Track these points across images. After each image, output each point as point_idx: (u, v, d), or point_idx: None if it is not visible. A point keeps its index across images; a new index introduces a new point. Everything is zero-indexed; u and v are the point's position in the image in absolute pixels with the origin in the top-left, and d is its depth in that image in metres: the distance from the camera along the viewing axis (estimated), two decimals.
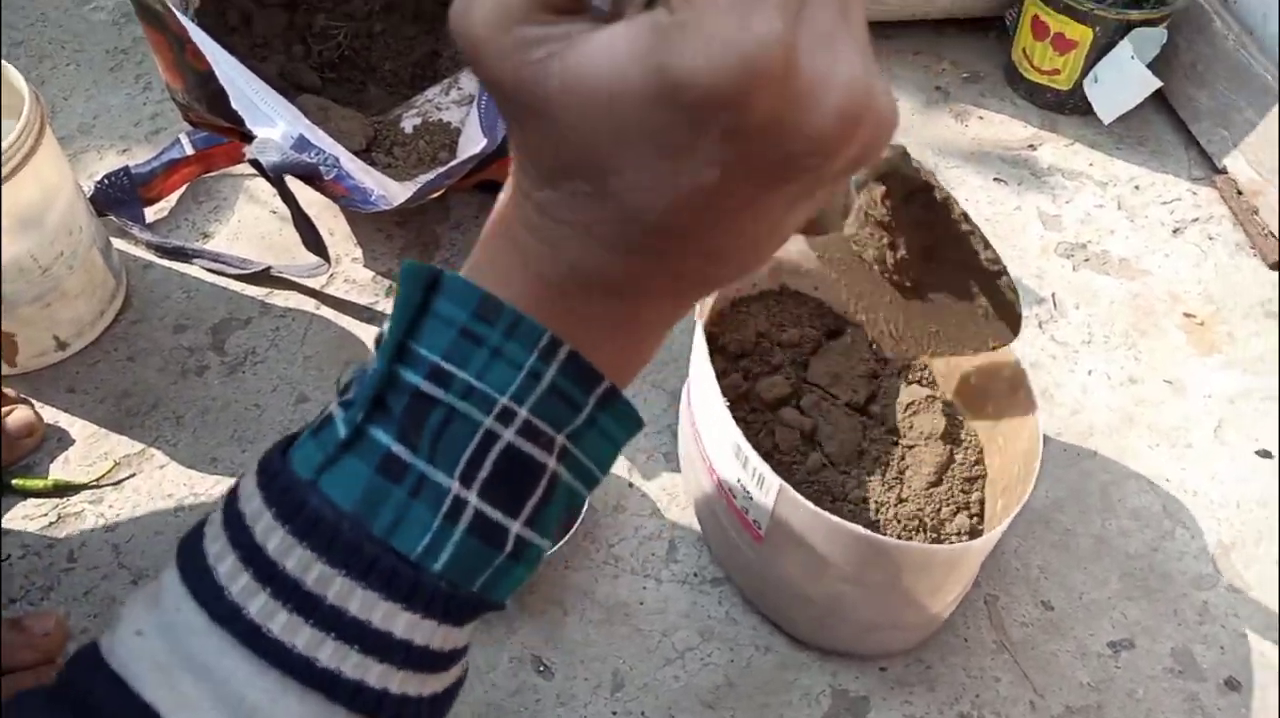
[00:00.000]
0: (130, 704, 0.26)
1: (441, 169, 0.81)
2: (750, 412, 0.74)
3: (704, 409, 0.67)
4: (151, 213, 0.91)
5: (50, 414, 0.78)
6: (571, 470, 0.29)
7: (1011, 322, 0.62)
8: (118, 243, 0.87)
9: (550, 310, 0.28)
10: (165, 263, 0.88)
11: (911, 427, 0.74)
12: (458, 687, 0.31)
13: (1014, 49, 1.09)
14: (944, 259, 0.63)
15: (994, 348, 0.62)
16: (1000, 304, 0.63)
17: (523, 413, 0.27)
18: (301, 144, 0.78)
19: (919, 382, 0.76)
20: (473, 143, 0.84)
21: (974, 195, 0.99)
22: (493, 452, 0.27)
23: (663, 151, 0.23)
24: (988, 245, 0.61)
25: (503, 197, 0.29)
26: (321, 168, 0.78)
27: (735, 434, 0.61)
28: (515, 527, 0.28)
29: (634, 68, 0.22)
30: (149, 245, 0.88)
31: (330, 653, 0.26)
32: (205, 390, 0.80)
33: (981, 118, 1.08)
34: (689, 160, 0.23)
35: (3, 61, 0.75)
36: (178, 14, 0.73)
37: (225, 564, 0.27)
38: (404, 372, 0.27)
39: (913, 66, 1.13)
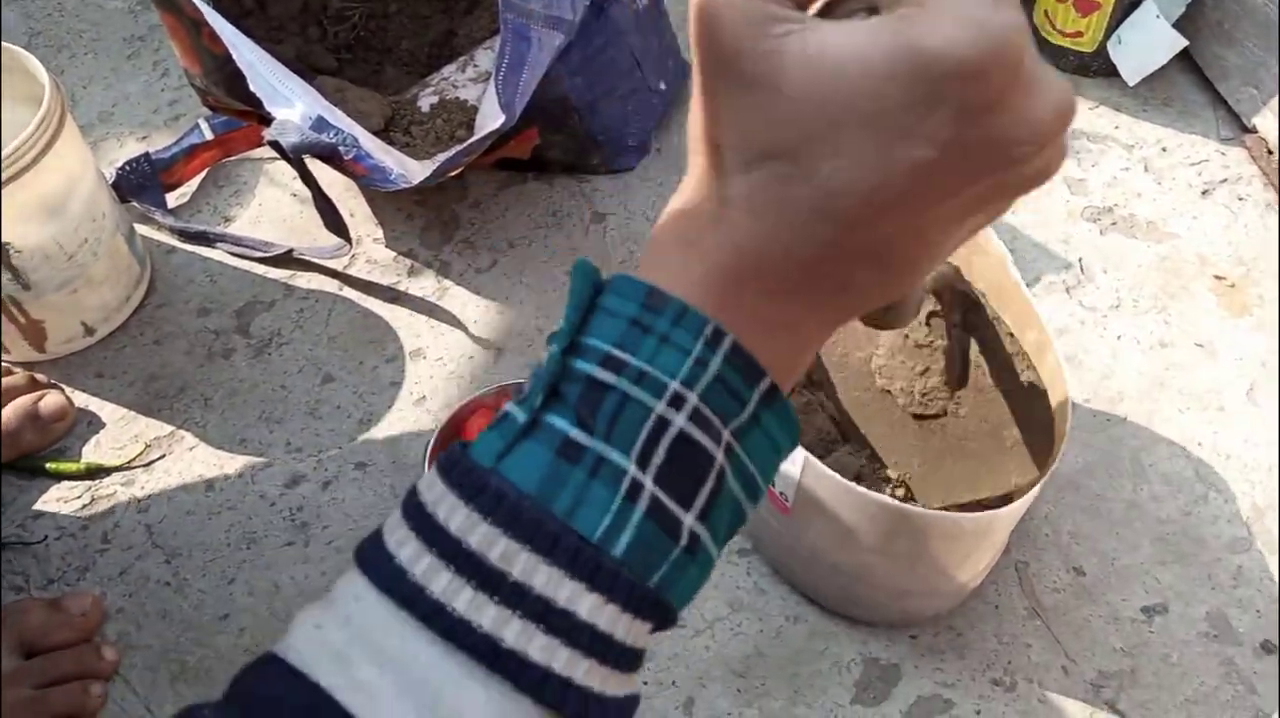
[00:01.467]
0: (307, 693, 0.25)
1: (460, 147, 0.81)
2: None
3: None
4: (173, 198, 0.92)
5: (80, 399, 0.79)
6: (736, 471, 0.29)
7: (1042, 453, 0.63)
8: (141, 229, 0.88)
9: (719, 305, 0.28)
10: (188, 248, 0.88)
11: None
12: (634, 705, 0.29)
13: (1035, 12, 1.07)
14: (980, 386, 0.65)
15: (1015, 487, 0.64)
16: (1034, 431, 0.63)
17: (693, 399, 0.27)
18: (320, 124, 0.78)
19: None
20: (491, 119, 0.84)
21: None
22: (666, 437, 0.27)
23: (888, 128, 0.25)
24: (1031, 365, 0.63)
25: (677, 199, 0.30)
26: (341, 148, 0.78)
27: None
28: (689, 519, 0.28)
29: (880, 43, 0.24)
30: (172, 230, 0.89)
31: (516, 633, 0.26)
32: (232, 372, 0.81)
33: None
34: (912, 138, 0.25)
35: (23, 51, 0.76)
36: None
37: (407, 549, 0.27)
38: (577, 362, 0.27)
39: None
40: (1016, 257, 0.89)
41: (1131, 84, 1.02)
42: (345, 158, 0.78)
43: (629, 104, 0.95)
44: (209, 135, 0.91)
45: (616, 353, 0.27)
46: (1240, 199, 0.95)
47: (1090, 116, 1.03)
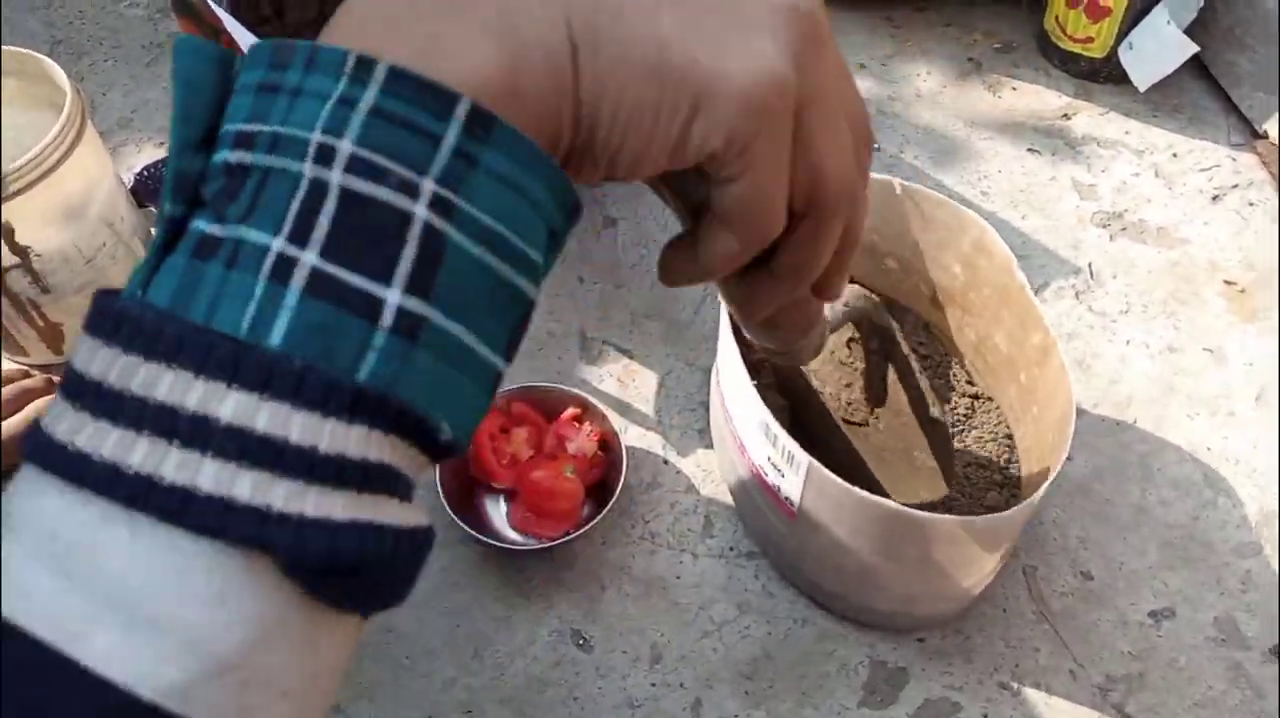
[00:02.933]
0: None
1: None
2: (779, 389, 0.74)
3: (732, 388, 0.67)
4: None
5: None
6: (466, 230, 0.23)
7: (946, 478, 0.67)
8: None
9: (381, 37, 0.24)
10: None
11: (934, 406, 0.74)
12: (415, 537, 0.24)
13: (1046, 18, 1.08)
14: (897, 408, 0.67)
15: (923, 500, 0.67)
16: (941, 459, 0.68)
17: (346, 146, 0.22)
18: None
19: (936, 365, 0.76)
20: None
21: (1008, 167, 0.98)
22: (327, 202, 0.22)
23: None
24: (937, 402, 0.66)
25: None
26: None
27: (763, 413, 0.62)
28: (392, 294, 0.22)
29: None
30: None
31: (143, 454, 0.20)
32: None
33: (1015, 88, 1.07)
34: None
35: (45, 58, 0.77)
36: (212, 4, 0.74)
37: (56, 416, 0.22)
38: (215, 157, 0.23)
39: (944, 39, 1.12)
40: (1026, 262, 0.89)
41: (1142, 90, 1.02)
42: None
43: None
44: None
45: (248, 128, 0.23)
46: (1251, 205, 0.95)
47: (1101, 122, 1.03)
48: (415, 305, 0.23)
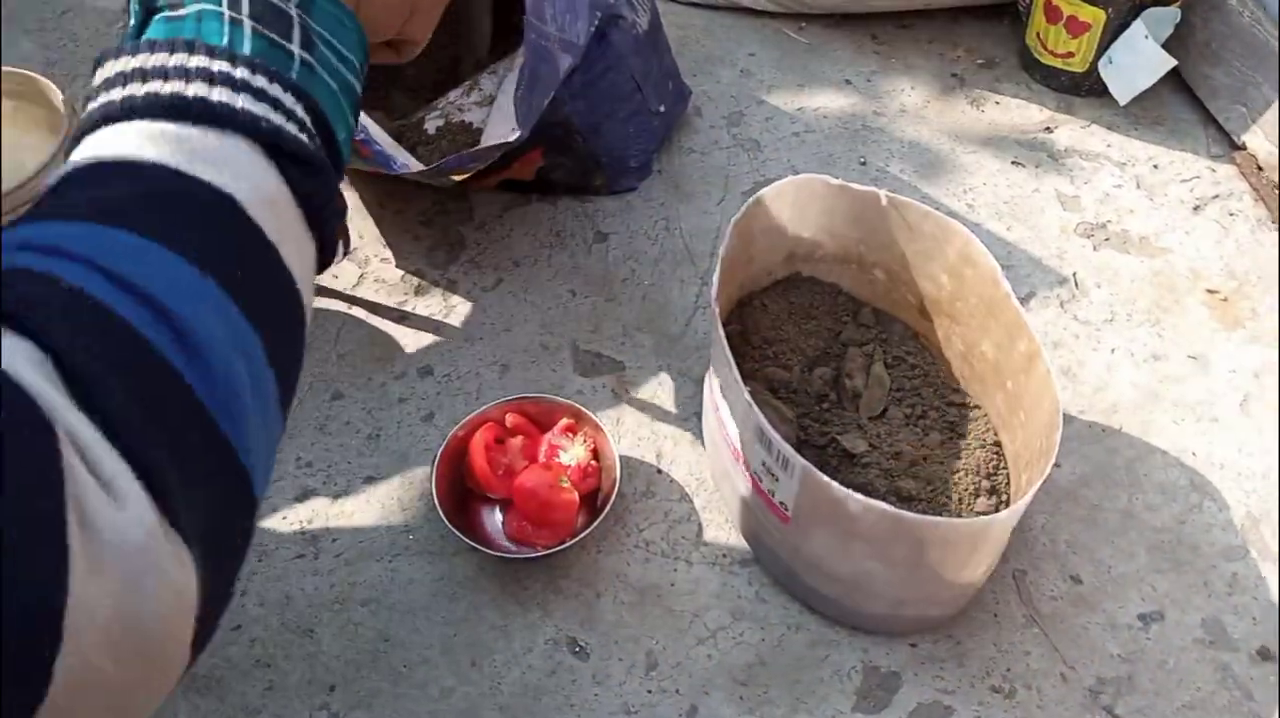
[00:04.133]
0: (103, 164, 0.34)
1: (468, 151, 0.83)
2: (770, 395, 0.75)
3: (725, 395, 0.68)
4: None
5: None
6: (315, 30, 0.39)
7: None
8: None
9: None
10: None
11: (924, 416, 0.75)
12: (325, 167, 0.38)
13: (1028, 33, 1.10)
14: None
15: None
16: None
17: None
18: None
19: (915, 370, 0.77)
20: (500, 132, 0.86)
21: (992, 179, 1.00)
22: (242, 5, 0.38)
23: None
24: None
25: None
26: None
27: (758, 418, 0.63)
28: (294, 47, 0.38)
29: None
30: None
31: (192, 90, 0.35)
32: None
33: (998, 103, 1.08)
34: None
35: (42, 78, 0.78)
36: None
37: (108, 84, 0.36)
38: None
39: (928, 55, 1.14)
40: (1012, 272, 0.91)
41: (1123, 103, 1.04)
42: (355, 137, 0.80)
43: (630, 126, 0.98)
44: None
45: None
46: (1231, 215, 0.97)
47: (1082, 135, 1.05)
48: (304, 54, 0.38)
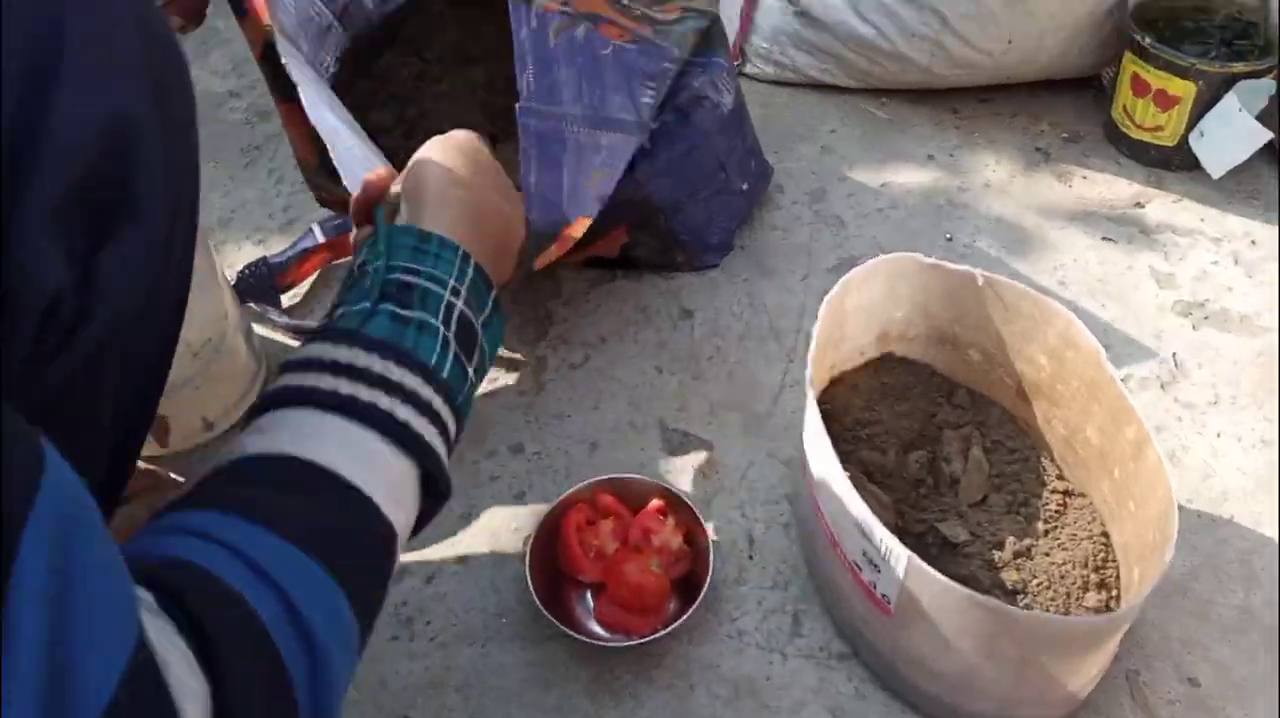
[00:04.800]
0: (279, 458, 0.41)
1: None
2: (867, 479, 0.74)
3: (823, 482, 0.67)
4: (286, 298, 0.97)
5: None
6: (484, 347, 0.53)
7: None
8: (257, 328, 0.92)
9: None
10: (299, 345, 0.93)
11: (1026, 503, 0.73)
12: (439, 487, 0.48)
13: (1114, 107, 1.09)
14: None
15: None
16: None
17: (462, 289, 0.51)
18: None
19: (1028, 459, 0.76)
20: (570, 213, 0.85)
21: (1082, 256, 0.98)
22: (454, 315, 0.50)
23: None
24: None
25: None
26: None
27: (859, 508, 0.62)
28: (470, 369, 0.50)
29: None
30: (285, 329, 0.93)
31: (383, 402, 0.45)
32: None
33: (1085, 177, 1.07)
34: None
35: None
36: (293, 67, 0.77)
37: (311, 378, 0.45)
38: (389, 275, 0.49)
39: (1011, 129, 1.14)
40: (1108, 352, 0.88)
41: (1216, 177, 1.03)
42: None
43: (713, 204, 0.98)
44: (321, 239, 0.96)
45: (411, 264, 0.50)
46: None
47: (1175, 209, 1.03)
48: (473, 376, 0.52)
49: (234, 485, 0.40)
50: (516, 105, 0.78)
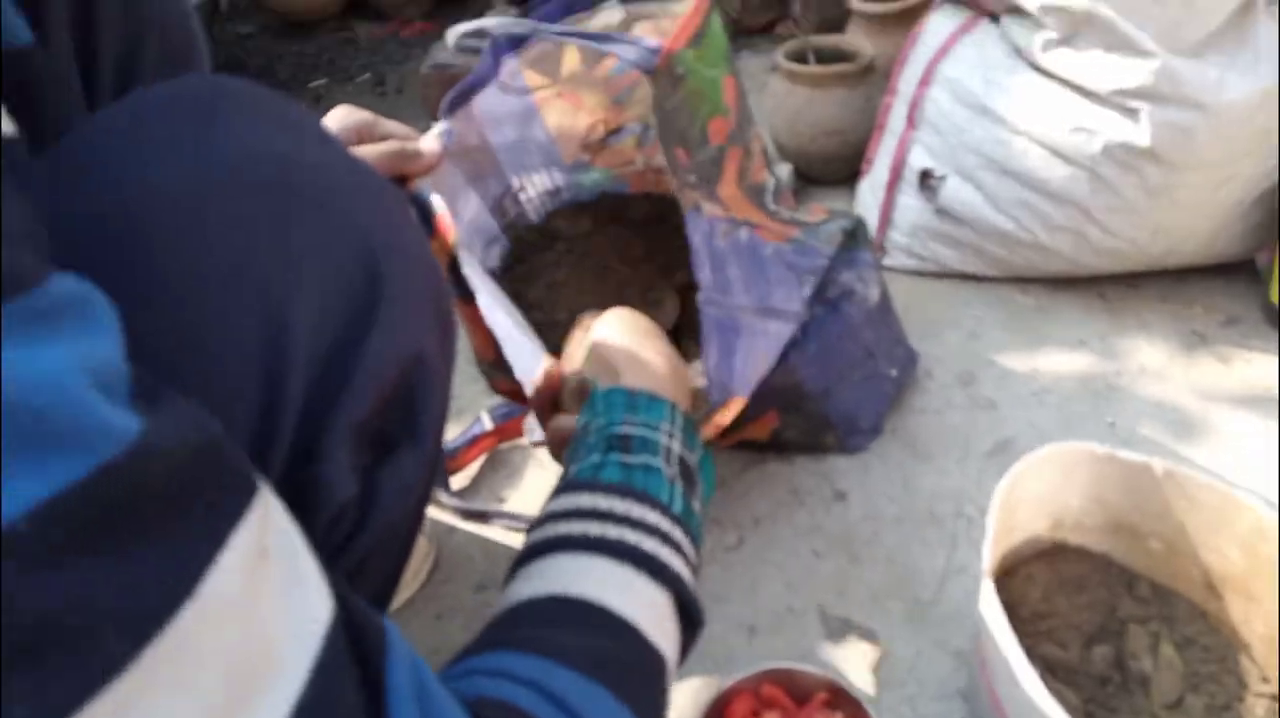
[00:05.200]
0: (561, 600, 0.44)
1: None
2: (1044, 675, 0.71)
3: (1005, 680, 0.65)
4: (456, 480, 1.02)
5: None
6: (701, 487, 0.56)
7: None
8: (429, 509, 0.97)
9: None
10: (468, 527, 0.97)
11: (1228, 707, 0.69)
12: (696, 618, 0.50)
13: (1271, 290, 1.08)
14: None
15: None
16: None
17: (677, 433, 0.55)
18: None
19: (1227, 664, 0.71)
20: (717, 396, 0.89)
21: (1256, 442, 0.95)
22: (673, 455, 0.54)
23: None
24: None
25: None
26: None
27: (1052, 709, 0.59)
28: (695, 503, 0.54)
29: None
30: (455, 511, 0.98)
31: (651, 545, 0.47)
32: None
33: (1248, 360, 1.05)
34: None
35: None
36: (472, 276, 0.85)
37: (574, 525, 0.48)
38: (611, 428, 0.54)
39: (1162, 313, 1.13)
40: None
41: None
42: None
43: (862, 389, 1.01)
44: (489, 426, 1.03)
45: (630, 417, 0.55)
46: None
47: None
48: (697, 507, 0.54)
49: (517, 628, 0.43)
50: (698, 297, 0.84)
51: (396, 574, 0.49)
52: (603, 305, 0.92)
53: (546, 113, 0.93)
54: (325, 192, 0.38)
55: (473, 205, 0.92)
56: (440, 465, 1.01)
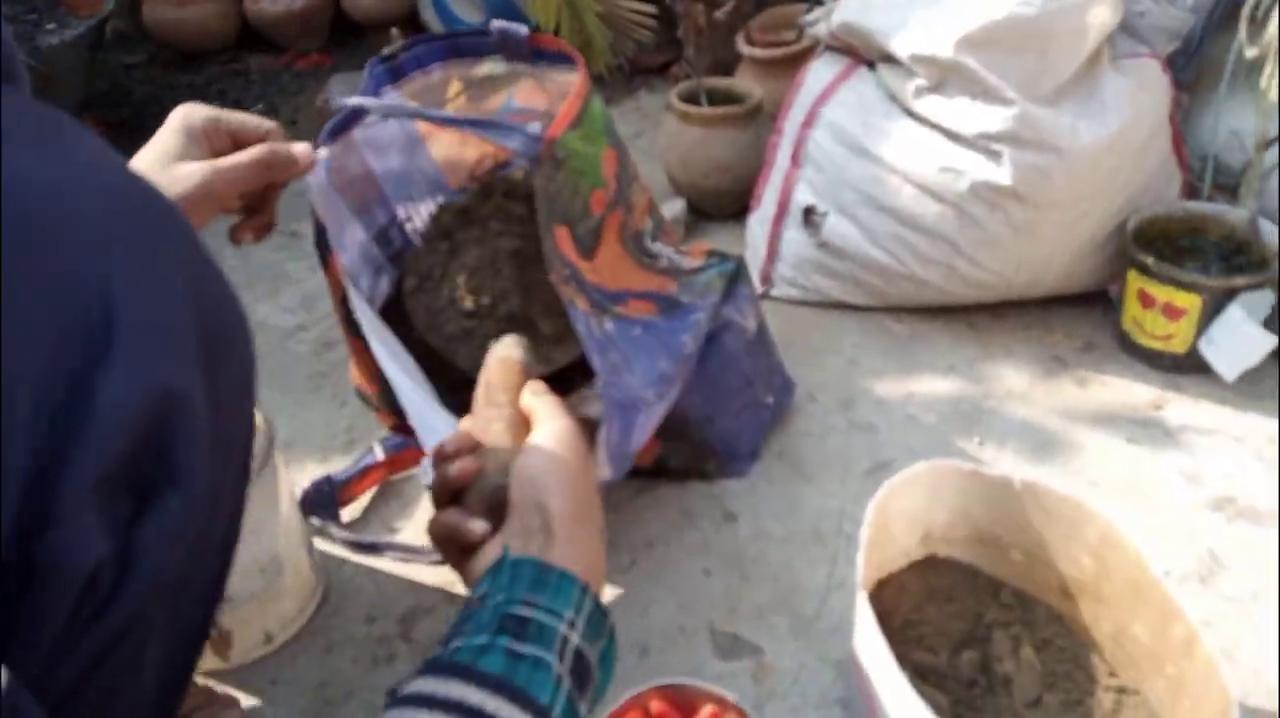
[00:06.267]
0: None
1: None
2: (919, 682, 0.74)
3: (880, 685, 0.68)
4: (346, 513, 1.01)
5: (253, 704, 0.84)
6: (598, 680, 0.51)
7: None
8: (317, 541, 0.96)
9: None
10: (358, 558, 0.97)
11: (1080, 702, 0.73)
12: None
13: (1123, 318, 1.16)
14: None
15: None
16: None
17: (580, 625, 0.50)
18: None
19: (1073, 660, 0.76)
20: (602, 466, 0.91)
21: (1109, 457, 1.02)
22: (569, 649, 0.48)
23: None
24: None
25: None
26: None
27: (922, 712, 0.62)
28: (583, 708, 0.49)
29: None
30: (345, 543, 0.97)
31: None
32: (395, 678, 0.85)
33: (1104, 383, 1.13)
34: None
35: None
36: (362, 318, 0.85)
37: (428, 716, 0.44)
38: (507, 608, 0.49)
39: (1026, 340, 1.21)
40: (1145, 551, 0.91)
41: (1229, 380, 1.08)
42: None
43: (742, 417, 1.04)
44: (380, 457, 1.02)
45: (530, 597, 0.49)
46: None
47: (1194, 411, 1.07)
48: (584, 713, 0.50)
49: None
50: (597, 384, 0.84)
51: (200, 626, 0.45)
52: (520, 288, 0.93)
53: (432, 144, 0.94)
54: (49, 226, 0.34)
55: (359, 236, 0.92)
56: (333, 498, 1.00)
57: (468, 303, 0.94)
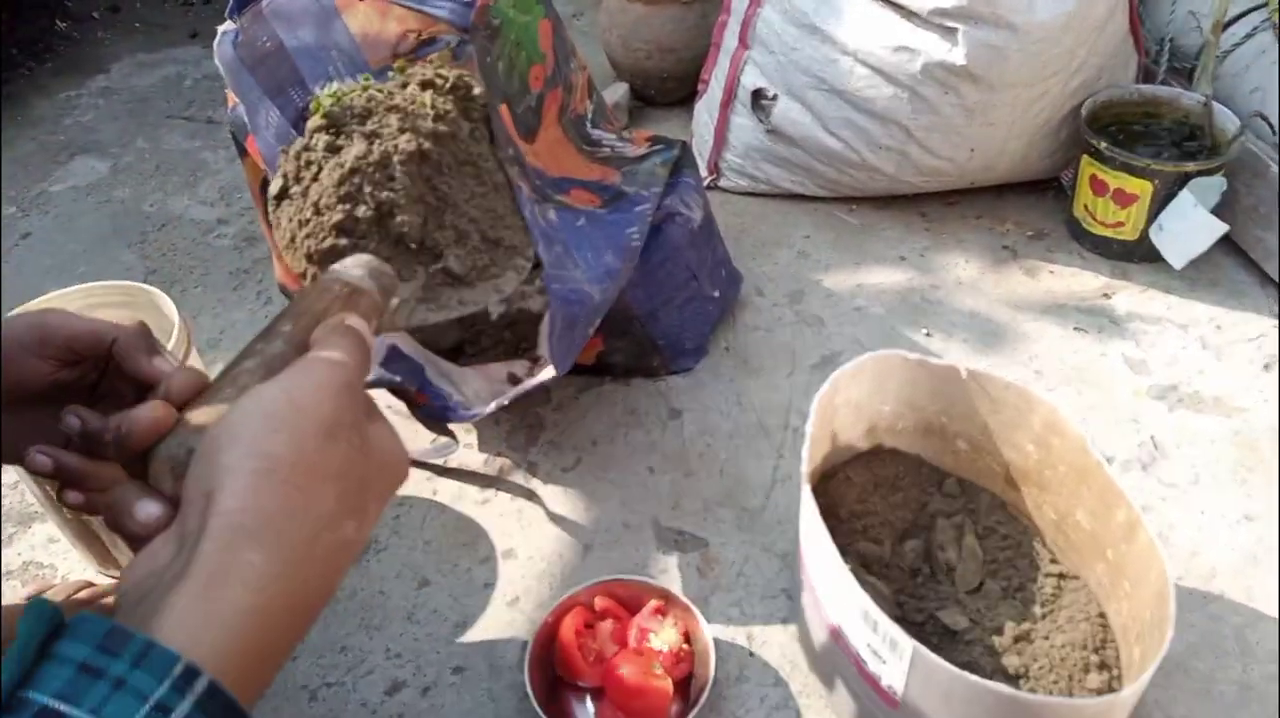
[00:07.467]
0: None
1: (515, 390, 0.85)
2: (865, 571, 0.74)
3: (823, 575, 0.67)
4: None
5: None
6: None
7: None
8: None
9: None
10: None
11: (1021, 588, 0.74)
12: None
13: (1075, 206, 1.14)
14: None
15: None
16: None
17: None
18: (392, 355, 0.85)
19: (1017, 543, 0.76)
20: (546, 365, 0.87)
21: (1056, 346, 1.02)
22: None
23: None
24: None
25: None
26: (408, 381, 0.84)
27: (862, 600, 0.62)
28: None
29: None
30: None
31: None
32: None
33: (1052, 272, 1.12)
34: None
35: (156, 289, 0.84)
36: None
37: None
38: (31, 691, 0.26)
39: (977, 229, 1.18)
40: (1089, 437, 0.91)
41: (1178, 268, 1.07)
42: (411, 389, 0.84)
43: (686, 311, 1.01)
44: None
45: (55, 705, 0.25)
46: None
47: (1142, 299, 1.07)
48: None
49: None
50: (542, 275, 0.79)
51: None
52: (417, 203, 0.78)
53: (349, 16, 0.87)
54: None
55: (274, 118, 0.86)
56: None
57: (336, 215, 0.72)
